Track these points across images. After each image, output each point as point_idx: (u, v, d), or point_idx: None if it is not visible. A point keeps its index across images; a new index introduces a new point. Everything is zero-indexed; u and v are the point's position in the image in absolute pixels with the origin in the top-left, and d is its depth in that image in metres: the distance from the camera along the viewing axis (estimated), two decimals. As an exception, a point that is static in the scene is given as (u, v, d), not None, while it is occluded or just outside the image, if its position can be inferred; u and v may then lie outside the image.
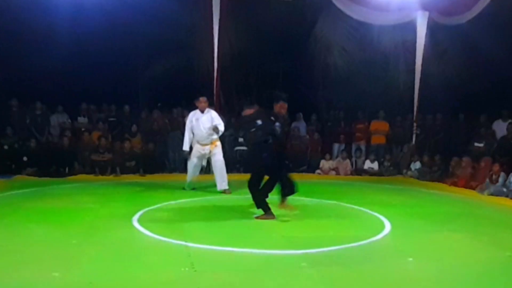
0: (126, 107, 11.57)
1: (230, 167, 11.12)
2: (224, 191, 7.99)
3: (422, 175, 10.59)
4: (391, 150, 11.92)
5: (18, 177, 9.44)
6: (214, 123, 7.85)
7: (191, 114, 8.16)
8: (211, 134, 7.94)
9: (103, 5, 10.60)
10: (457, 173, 9.76)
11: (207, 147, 8.00)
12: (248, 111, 6.33)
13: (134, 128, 11.08)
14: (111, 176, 10.02)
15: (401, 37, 12.20)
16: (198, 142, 8.09)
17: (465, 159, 9.70)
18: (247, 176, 6.08)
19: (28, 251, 4.38)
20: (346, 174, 11.22)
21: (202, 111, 8.02)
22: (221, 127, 7.88)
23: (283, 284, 3.69)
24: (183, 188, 8.32)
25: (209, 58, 11.16)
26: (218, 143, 8.13)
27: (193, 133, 8.09)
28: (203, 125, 7.93)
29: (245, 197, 7.73)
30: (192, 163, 8.20)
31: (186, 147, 8.13)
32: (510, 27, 10.39)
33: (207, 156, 8.14)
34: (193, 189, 8.30)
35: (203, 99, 8.06)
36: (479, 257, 4.51)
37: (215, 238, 4.94)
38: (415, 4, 11.03)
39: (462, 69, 11.63)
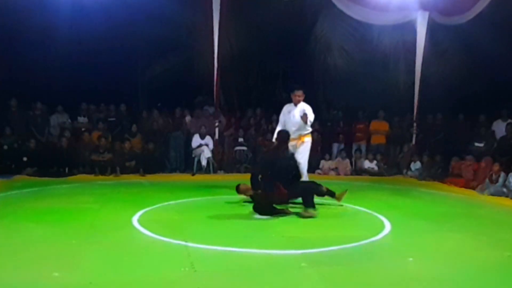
0: (126, 107, 11.57)
1: (230, 167, 11.21)
2: None
3: (422, 175, 10.60)
4: (388, 150, 11.94)
5: (18, 177, 9.43)
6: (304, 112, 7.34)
7: (285, 107, 7.75)
8: (300, 129, 7.44)
9: (103, 5, 10.59)
10: (459, 173, 9.76)
11: (295, 142, 7.44)
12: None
13: (134, 128, 11.08)
14: (111, 176, 10.01)
15: (401, 37, 12.19)
16: None
17: (469, 158, 9.70)
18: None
19: (28, 251, 4.38)
20: (346, 174, 11.23)
21: (296, 105, 7.47)
22: (310, 117, 7.30)
23: (283, 284, 3.69)
24: None
25: (209, 58, 11.16)
26: (307, 140, 7.52)
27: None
28: (294, 117, 7.45)
29: (245, 197, 7.74)
30: None
31: (274, 139, 7.70)
32: (510, 27, 10.39)
33: (295, 151, 7.49)
34: None
35: (299, 92, 7.48)
36: (479, 257, 4.51)
37: (215, 238, 4.93)
38: (415, 4, 11.03)
39: (462, 69, 11.62)
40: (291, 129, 7.35)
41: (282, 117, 7.75)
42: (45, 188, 8.30)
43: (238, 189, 6.64)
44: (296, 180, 6.41)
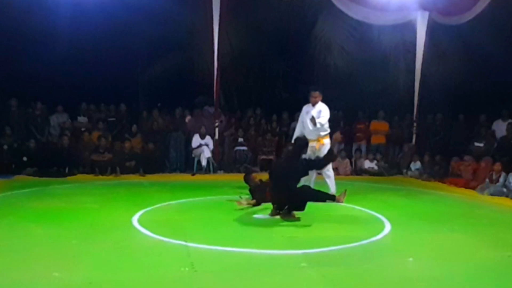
0: (126, 107, 11.57)
1: (230, 167, 11.21)
2: None
3: (422, 175, 10.60)
4: (388, 150, 11.95)
5: (18, 177, 9.44)
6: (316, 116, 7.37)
7: (304, 107, 7.83)
8: (316, 129, 7.46)
9: (103, 5, 10.60)
10: (459, 173, 9.76)
11: (314, 143, 7.41)
12: None
13: (134, 128, 11.08)
14: (111, 176, 10.01)
15: (401, 37, 12.20)
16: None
17: (467, 158, 9.69)
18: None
19: (28, 251, 4.39)
20: (345, 174, 11.21)
21: (314, 105, 7.60)
22: (322, 120, 7.36)
23: (283, 284, 3.69)
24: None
25: (209, 58, 11.16)
26: (326, 142, 7.53)
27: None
28: (310, 118, 7.51)
29: (245, 198, 7.73)
30: None
31: (293, 140, 7.80)
32: (509, 28, 10.40)
33: (316, 154, 7.43)
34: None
35: (314, 93, 7.60)
36: (479, 257, 4.51)
37: (215, 238, 4.94)
38: (415, 4, 11.04)
39: (462, 69, 11.63)
40: (308, 129, 7.54)
41: (301, 117, 7.90)
42: (45, 188, 8.30)
43: (247, 177, 7.03)
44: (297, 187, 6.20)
